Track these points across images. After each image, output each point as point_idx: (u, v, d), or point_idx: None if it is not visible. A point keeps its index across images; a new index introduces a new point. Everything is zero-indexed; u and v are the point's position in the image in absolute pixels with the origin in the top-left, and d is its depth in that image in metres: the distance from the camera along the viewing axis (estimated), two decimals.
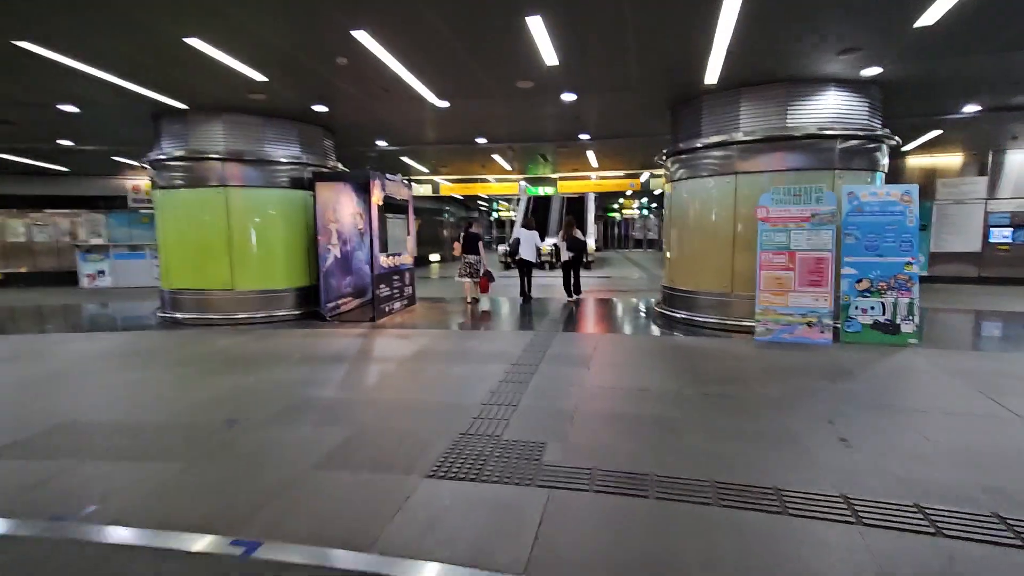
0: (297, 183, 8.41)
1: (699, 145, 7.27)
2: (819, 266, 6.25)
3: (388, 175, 8.72)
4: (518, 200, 26.38)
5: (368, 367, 5.51)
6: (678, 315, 7.81)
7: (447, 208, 27.61)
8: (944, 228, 13.10)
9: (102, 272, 13.84)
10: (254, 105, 7.51)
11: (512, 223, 30.27)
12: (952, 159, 12.88)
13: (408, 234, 10.03)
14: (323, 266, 8.32)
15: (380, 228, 8.54)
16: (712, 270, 7.29)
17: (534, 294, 10.96)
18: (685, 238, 7.79)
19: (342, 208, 8.82)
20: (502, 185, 16.89)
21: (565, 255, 10.42)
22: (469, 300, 10.01)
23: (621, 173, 16.06)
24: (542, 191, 17.31)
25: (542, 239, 13.48)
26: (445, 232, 27.34)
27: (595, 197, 23.96)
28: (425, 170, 14.97)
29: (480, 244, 10.03)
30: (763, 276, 6.44)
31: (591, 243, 19.61)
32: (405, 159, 13.14)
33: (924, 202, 13.18)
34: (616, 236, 39.70)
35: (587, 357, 5.70)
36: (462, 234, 10.12)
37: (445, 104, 7.58)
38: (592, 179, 16.57)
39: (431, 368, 5.37)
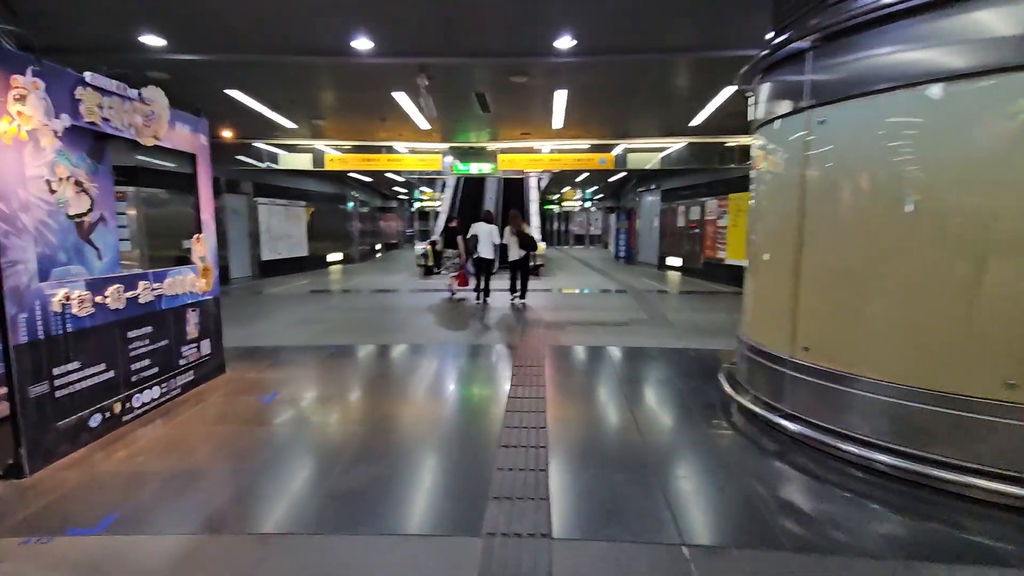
0: None
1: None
2: None
3: (93, 75, 3.43)
4: (443, 185, 21.24)
5: None
6: (795, 426, 3.31)
7: (355, 194, 21.91)
8: None
9: None
10: None
11: (437, 215, 24.99)
12: None
13: (199, 229, 4.69)
14: None
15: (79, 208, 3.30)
16: (941, 330, 2.76)
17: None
18: (830, 244, 3.23)
19: None
20: (417, 160, 11.78)
21: (515, 254, 9.12)
22: (451, 296, 9.99)
23: (586, 144, 11.48)
24: (475, 169, 12.38)
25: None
26: (350, 225, 21.64)
27: (538, 183, 19.34)
28: (291, 125, 9.54)
29: (460, 239, 9.81)
30: None
31: (541, 243, 14.96)
32: (243, 98, 7.70)
33: None
34: (556, 232, 35.61)
35: None
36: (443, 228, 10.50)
37: None
38: (545, 151, 11.86)
39: None
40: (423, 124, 9.43)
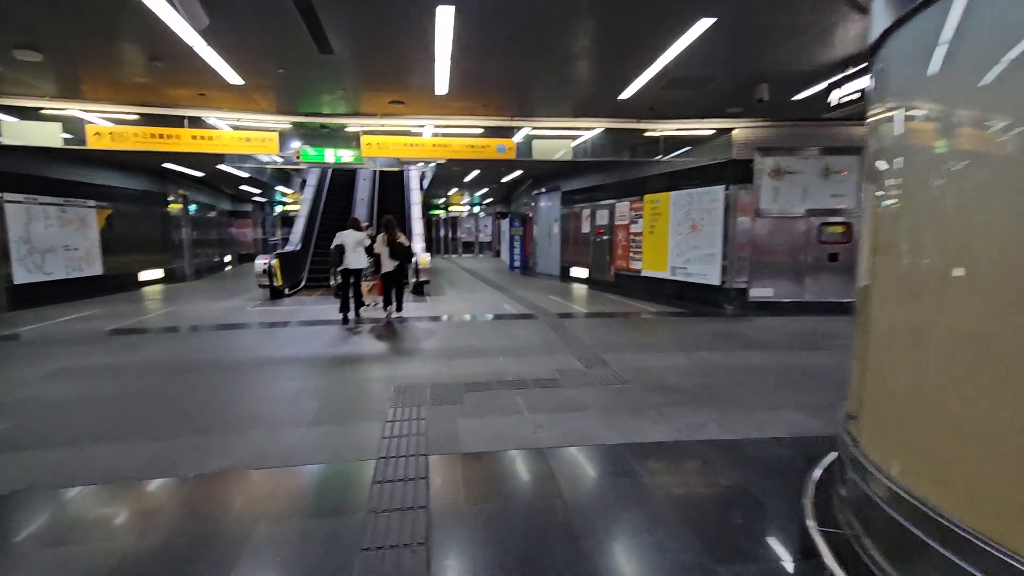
0: None
1: None
2: None
3: None
4: (303, 183, 17.35)
5: None
6: None
7: (184, 193, 17.14)
8: None
9: None
10: None
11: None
12: None
13: None
14: None
15: None
16: None
17: None
18: None
19: None
20: (242, 140, 8.23)
21: (388, 266, 8.18)
22: (366, 304, 9.18)
23: (480, 128, 8.82)
24: (331, 156, 9.12)
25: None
26: (178, 232, 16.83)
27: (420, 180, 16.37)
28: None
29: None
30: None
31: (423, 254, 12.03)
32: None
33: None
34: (443, 239, 32.64)
35: None
36: None
37: None
38: (427, 135, 8.98)
39: None
40: (232, 76, 6.07)
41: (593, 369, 5.40)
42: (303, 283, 13.64)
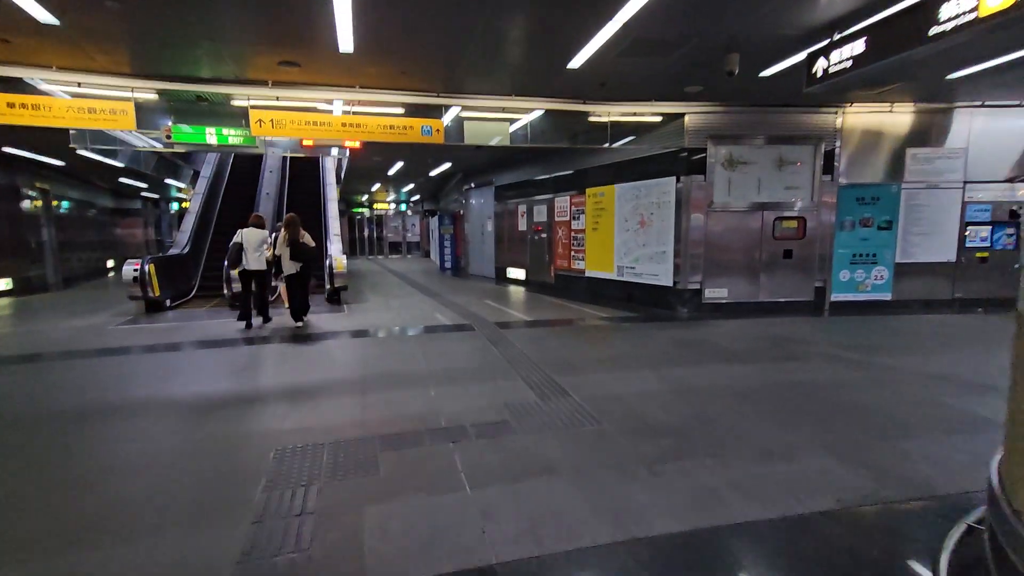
0: None
1: None
2: None
3: None
4: (195, 173, 14.96)
5: None
6: None
7: (42, 186, 14.18)
8: (914, 226, 8.50)
9: None
10: None
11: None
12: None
13: None
14: None
15: None
16: None
17: None
18: None
19: None
20: (81, 112, 6.27)
21: (288, 267, 7.32)
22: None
23: (400, 106, 7.39)
24: (212, 137, 7.34)
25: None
26: (34, 234, 13.88)
27: (337, 170, 14.57)
28: None
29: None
30: None
31: (339, 256, 10.39)
32: None
33: (888, 185, 8.36)
34: (368, 239, 30.41)
35: None
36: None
37: None
38: (336, 113, 7.43)
39: None
40: (37, 10, 4.29)
41: (551, 401, 4.21)
42: (194, 292, 11.50)
